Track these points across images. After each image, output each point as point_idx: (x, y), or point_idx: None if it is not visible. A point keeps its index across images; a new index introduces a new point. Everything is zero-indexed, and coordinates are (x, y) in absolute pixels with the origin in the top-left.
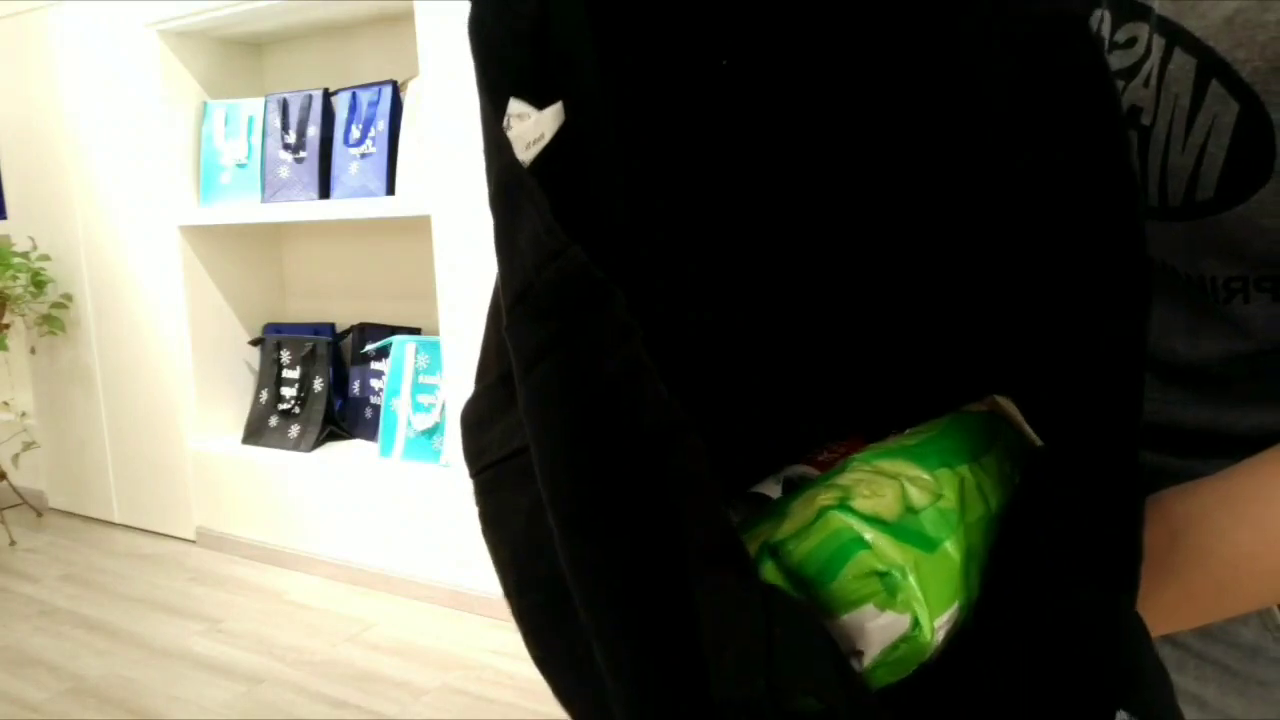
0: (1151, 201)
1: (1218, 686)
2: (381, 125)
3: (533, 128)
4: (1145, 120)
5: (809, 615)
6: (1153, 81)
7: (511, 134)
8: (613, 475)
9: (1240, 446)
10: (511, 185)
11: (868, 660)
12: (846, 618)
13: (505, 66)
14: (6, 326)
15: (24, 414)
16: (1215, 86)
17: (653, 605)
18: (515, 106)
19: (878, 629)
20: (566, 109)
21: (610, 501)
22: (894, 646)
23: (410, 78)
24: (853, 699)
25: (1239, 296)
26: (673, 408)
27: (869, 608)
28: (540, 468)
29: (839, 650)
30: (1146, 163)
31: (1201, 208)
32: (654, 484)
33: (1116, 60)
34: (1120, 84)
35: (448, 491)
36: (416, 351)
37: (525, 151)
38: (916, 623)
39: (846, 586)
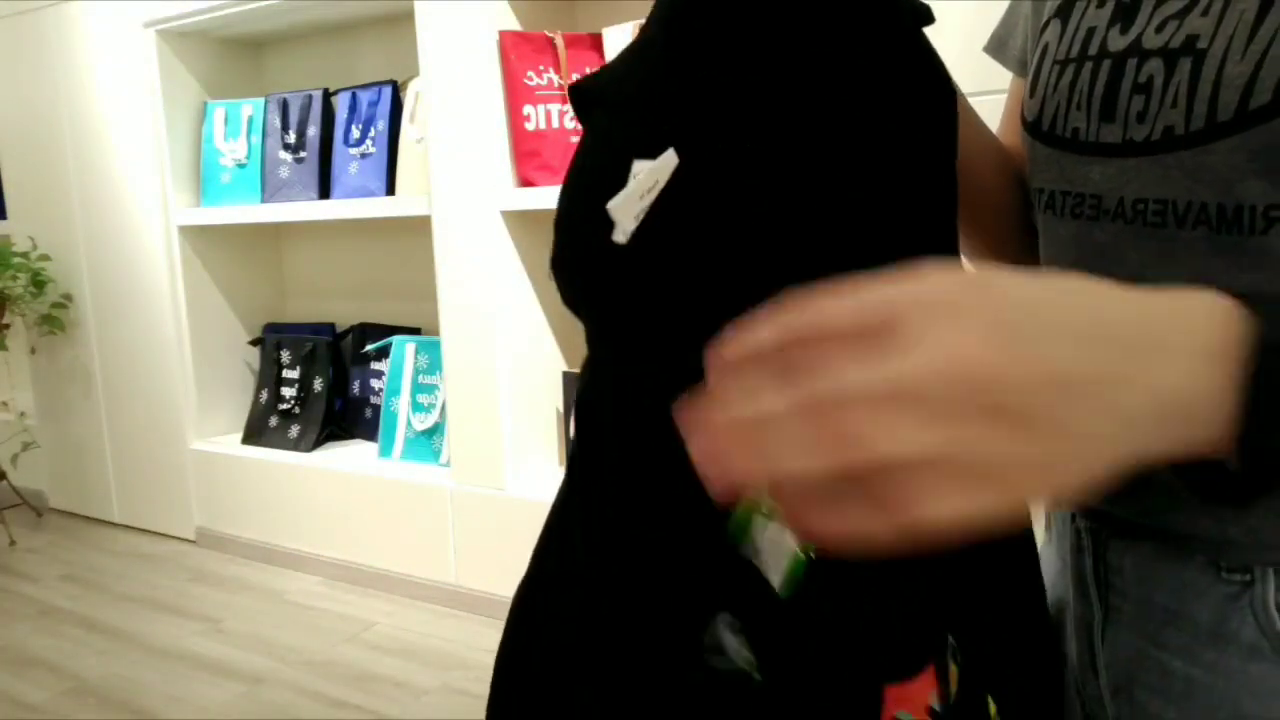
0: (1197, 124)
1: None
2: (381, 125)
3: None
4: (1202, 45)
5: None
6: (1215, 7)
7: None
8: None
9: None
10: None
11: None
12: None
13: None
14: (6, 326)
15: (23, 414)
16: None
17: None
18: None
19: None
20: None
21: None
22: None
23: (410, 78)
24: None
25: (1277, 225)
26: None
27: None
28: None
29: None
30: (1198, 86)
31: (1255, 115)
32: None
33: (1172, 6)
34: (1175, 23)
35: (448, 491)
36: (416, 351)
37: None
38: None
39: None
